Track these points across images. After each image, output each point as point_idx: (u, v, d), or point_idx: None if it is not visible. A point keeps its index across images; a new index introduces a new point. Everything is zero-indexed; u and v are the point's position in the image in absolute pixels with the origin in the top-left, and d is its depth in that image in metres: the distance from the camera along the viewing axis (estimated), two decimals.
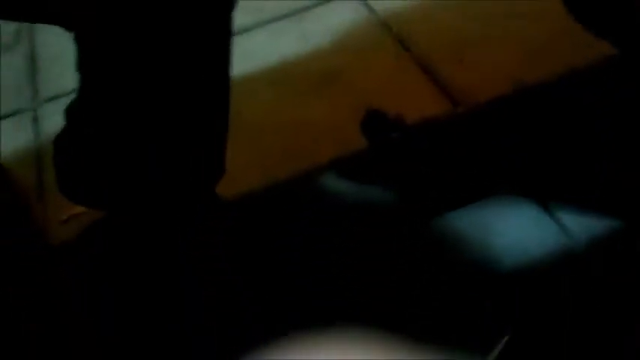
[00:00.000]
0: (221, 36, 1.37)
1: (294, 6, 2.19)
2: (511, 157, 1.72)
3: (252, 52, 2.06)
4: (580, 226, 1.58)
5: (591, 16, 1.66)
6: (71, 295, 1.52)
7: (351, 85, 1.95)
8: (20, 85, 2.14)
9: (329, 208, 1.69)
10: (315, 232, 1.63)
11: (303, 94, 1.96)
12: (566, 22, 1.71)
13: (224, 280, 1.54)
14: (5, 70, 2.18)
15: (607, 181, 1.63)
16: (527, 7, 2.00)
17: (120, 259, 1.54)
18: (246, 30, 2.12)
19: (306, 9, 2.18)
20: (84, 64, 1.37)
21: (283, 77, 2.01)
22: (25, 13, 1.42)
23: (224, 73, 1.42)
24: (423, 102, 1.88)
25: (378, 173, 1.75)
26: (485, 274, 1.54)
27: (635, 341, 1.34)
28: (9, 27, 2.29)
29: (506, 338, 1.41)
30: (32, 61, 2.22)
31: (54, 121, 1.56)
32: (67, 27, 1.35)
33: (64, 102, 1.47)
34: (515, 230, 1.60)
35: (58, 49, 2.16)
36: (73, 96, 1.45)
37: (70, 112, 1.45)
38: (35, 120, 2.03)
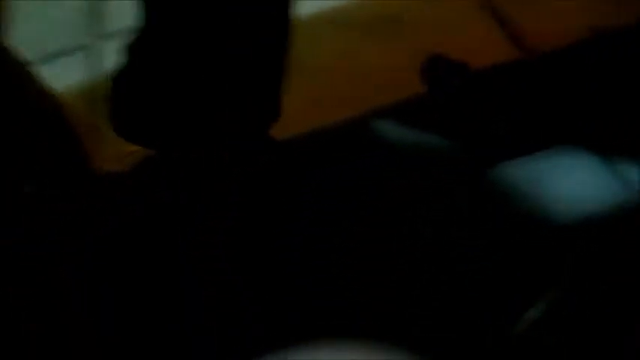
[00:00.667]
0: None
1: None
2: (577, 109, 1.65)
3: None
4: None
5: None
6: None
7: (413, 30, 1.88)
8: (79, 22, 2.10)
9: (382, 155, 1.64)
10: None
11: (364, 37, 1.90)
12: None
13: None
14: (64, 6, 2.14)
15: None
16: None
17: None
18: None
19: None
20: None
21: (345, 19, 1.96)
22: None
23: (285, 13, 1.43)
24: (490, 49, 1.80)
25: (437, 121, 1.69)
26: (542, 225, 1.49)
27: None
28: None
29: (559, 290, 1.38)
30: None
31: (113, 58, 1.53)
32: None
33: (124, 40, 1.47)
34: (574, 183, 1.55)
35: None
36: (133, 33, 1.44)
37: (132, 48, 1.46)
38: (94, 57, 2.00)
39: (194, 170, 1.55)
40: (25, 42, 1.65)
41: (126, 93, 1.50)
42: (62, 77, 1.90)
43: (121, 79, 1.49)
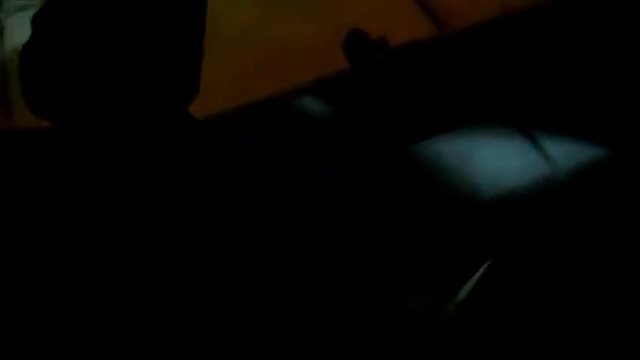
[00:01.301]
0: None
1: None
2: (496, 84, 1.69)
3: None
4: (563, 154, 1.55)
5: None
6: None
7: (333, 5, 1.91)
8: None
9: (307, 131, 1.65)
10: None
11: (284, 11, 1.92)
12: None
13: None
14: None
15: (593, 110, 1.60)
16: None
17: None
18: None
19: None
20: None
21: None
22: None
23: None
24: (408, 24, 1.85)
25: (359, 95, 1.71)
26: (467, 201, 1.51)
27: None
28: None
29: (485, 265, 1.40)
30: None
31: (23, 32, 1.50)
32: None
33: (32, 13, 1.43)
34: (498, 158, 1.58)
35: None
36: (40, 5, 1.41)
37: (36, 20, 1.42)
38: (1, 32, 1.98)
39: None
40: None
41: (33, 66, 1.43)
42: None
43: (27, 52, 1.44)
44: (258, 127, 1.69)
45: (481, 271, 1.41)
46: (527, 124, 1.60)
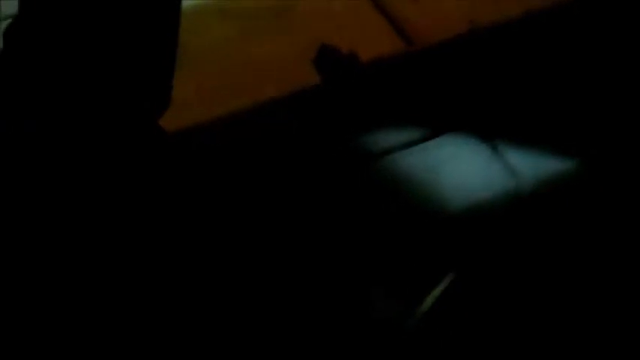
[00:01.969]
0: None
1: None
2: (462, 98, 1.74)
3: None
4: (528, 167, 1.62)
5: None
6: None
7: (303, 22, 1.92)
8: None
9: (277, 145, 1.69)
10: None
11: (254, 29, 1.92)
12: None
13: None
14: None
15: (556, 123, 1.68)
16: None
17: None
18: None
19: None
20: None
21: (234, 11, 1.96)
22: None
23: (173, 2, 1.40)
24: (377, 41, 1.87)
25: (330, 111, 1.75)
26: (432, 214, 1.57)
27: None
28: None
29: (450, 277, 1.48)
30: None
31: None
32: None
33: (3, 26, 1.41)
34: (463, 171, 1.63)
35: None
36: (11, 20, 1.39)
37: (8, 34, 1.39)
38: None
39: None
40: None
41: (2, 79, 1.41)
42: None
43: None
44: (228, 140, 1.70)
45: (445, 282, 1.48)
46: (492, 137, 1.70)
